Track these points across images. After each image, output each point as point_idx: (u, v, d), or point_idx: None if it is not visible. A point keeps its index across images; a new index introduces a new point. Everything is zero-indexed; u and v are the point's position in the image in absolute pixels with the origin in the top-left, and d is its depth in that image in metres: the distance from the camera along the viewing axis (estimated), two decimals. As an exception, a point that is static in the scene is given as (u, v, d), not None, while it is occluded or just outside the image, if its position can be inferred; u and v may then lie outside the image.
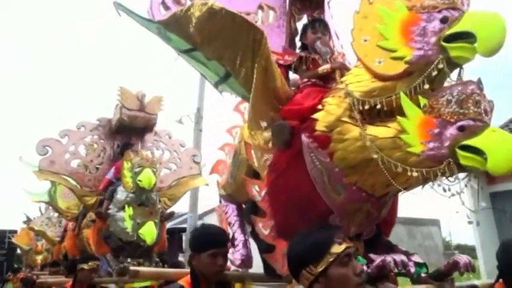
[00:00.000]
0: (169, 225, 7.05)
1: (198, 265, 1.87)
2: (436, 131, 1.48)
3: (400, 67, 1.60)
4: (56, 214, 9.63)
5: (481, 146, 1.40)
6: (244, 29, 1.93)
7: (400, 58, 1.59)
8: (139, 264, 4.66)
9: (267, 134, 2.13)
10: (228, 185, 2.89)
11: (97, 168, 5.14)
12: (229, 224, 2.91)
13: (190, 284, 1.87)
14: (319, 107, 1.90)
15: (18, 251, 20.57)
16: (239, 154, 2.65)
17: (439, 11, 1.55)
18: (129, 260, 4.85)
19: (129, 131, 5.35)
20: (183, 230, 13.10)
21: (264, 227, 2.13)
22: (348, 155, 1.75)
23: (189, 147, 6.38)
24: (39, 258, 12.88)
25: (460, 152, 1.45)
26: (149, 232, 4.19)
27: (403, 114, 1.56)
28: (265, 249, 2.17)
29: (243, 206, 2.86)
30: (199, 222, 10.25)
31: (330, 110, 1.84)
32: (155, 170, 4.41)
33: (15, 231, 21.44)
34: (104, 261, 4.52)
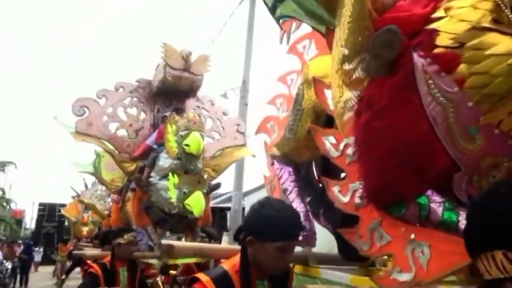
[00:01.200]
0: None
1: (257, 254, 1.38)
2: None
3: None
4: (104, 187, 9.55)
5: None
6: None
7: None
8: (179, 239, 4.20)
9: (354, 62, 1.49)
10: (285, 142, 2.32)
11: (136, 134, 4.65)
12: (285, 191, 2.35)
13: (237, 270, 1.40)
14: (440, 13, 1.28)
15: (67, 223, 21.49)
16: (302, 100, 2.10)
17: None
18: (168, 234, 4.41)
19: (170, 94, 4.84)
20: (223, 209, 12.77)
21: (342, 193, 1.58)
22: (491, 80, 1.15)
23: (232, 116, 5.82)
24: (85, 230, 13.21)
25: None
26: (197, 203, 3.68)
27: None
28: (343, 221, 1.73)
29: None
30: (245, 201, 9.78)
31: (461, 14, 1.23)
32: (203, 133, 3.87)
33: (64, 205, 22.37)
34: (143, 234, 4.08)
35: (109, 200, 9.43)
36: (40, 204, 24.01)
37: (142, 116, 4.78)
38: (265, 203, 1.42)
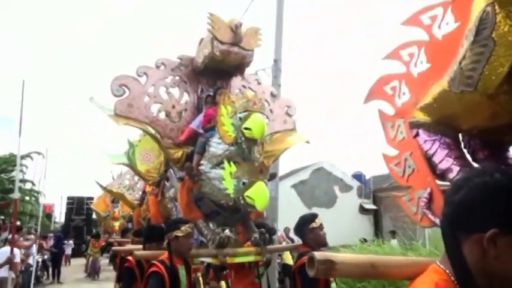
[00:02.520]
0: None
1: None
2: None
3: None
4: (134, 177, 9.16)
5: None
6: None
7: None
8: (237, 234, 3.68)
9: None
10: (446, 100, 1.64)
11: (179, 117, 4.14)
12: (445, 172, 1.68)
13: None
14: None
15: (94, 216, 21.56)
16: (491, 28, 1.35)
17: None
18: (219, 228, 3.90)
19: (215, 72, 4.29)
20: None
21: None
22: None
23: (282, 97, 5.22)
24: (116, 225, 12.99)
25: None
26: (260, 195, 3.15)
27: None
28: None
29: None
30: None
31: None
32: (265, 115, 3.32)
33: (92, 198, 22.46)
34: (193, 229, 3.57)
35: (137, 188, 9.06)
36: (68, 198, 24.17)
37: (185, 96, 4.26)
38: (492, 172, 0.88)
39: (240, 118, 3.26)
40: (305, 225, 3.22)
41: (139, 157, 6.63)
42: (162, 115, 4.04)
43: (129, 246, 4.52)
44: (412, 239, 8.53)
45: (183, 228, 2.96)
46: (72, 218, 23.65)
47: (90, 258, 13.98)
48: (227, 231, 3.70)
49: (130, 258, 3.68)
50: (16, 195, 5.44)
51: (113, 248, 4.35)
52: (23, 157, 14.96)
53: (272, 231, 3.48)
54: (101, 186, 13.27)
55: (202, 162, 3.60)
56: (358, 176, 19.00)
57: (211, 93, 4.15)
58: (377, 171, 18.21)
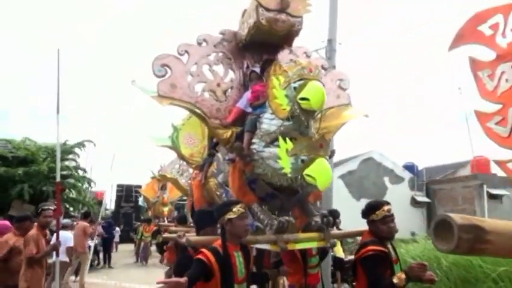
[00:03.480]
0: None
1: None
2: None
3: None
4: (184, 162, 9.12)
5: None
6: None
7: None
8: (295, 219, 3.39)
9: None
10: None
11: (225, 96, 3.87)
12: None
13: None
14: None
15: (140, 203, 22.12)
16: None
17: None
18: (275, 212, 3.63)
19: (260, 45, 3.97)
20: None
21: None
22: None
23: (333, 70, 4.82)
24: (165, 210, 13.26)
25: None
26: (322, 173, 2.82)
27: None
28: None
29: None
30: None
31: None
32: (323, 84, 2.98)
33: (139, 186, 23.08)
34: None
35: (189, 174, 9.00)
36: (118, 186, 24.97)
37: (230, 74, 3.98)
38: None
39: (295, 88, 2.93)
40: (372, 212, 2.91)
41: (183, 141, 6.51)
42: (207, 95, 3.78)
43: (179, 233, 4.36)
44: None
45: (234, 209, 2.74)
46: (121, 205, 24.51)
47: (142, 244, 14.31)
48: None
49: (205, 250, 3.51)
50: (58, 177, 5.42)
51: (164, 235, 4.19)
52: (75, 145, 15.43)
53: (336, 214, 3.16)
54: (153, 174, 13.49)
55: (254, 141, 3.33)
56: (409, 167, 18.27)
57: (256, 69, 3.85)
58: (430, 162, 17.36)
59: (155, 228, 14.43)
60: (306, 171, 2.86)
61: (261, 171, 3.24)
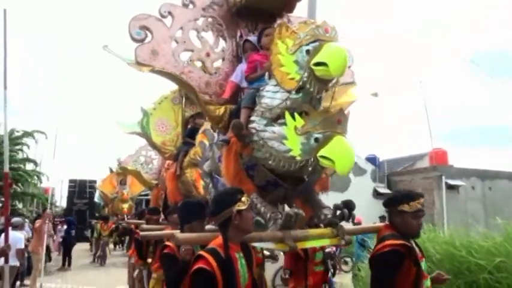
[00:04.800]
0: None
1: None
2: None
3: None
4: (149, 153, 8.41)
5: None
6: None
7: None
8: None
9: None
10: None
11: (215, 68, 3.33)
12: None
13: None
14: None
15: (96, 199, 20.90)
16: None
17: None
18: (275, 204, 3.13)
19: (255, 12, 3.46)
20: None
21: None
22: None
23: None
24: (125, 207, 12.36)
25: None
26: (342, 153, 2.35)
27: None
28: None
29: None
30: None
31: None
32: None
33: (94, 181, 21.78)
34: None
35: (154, 166, 8.29)
36: (70, 181, 23.46)
37: (222, 44, 3.43)
38: None
39: (308, 51, 2.43)
40: (405, 202, 2.48)
41: (154, 127, 5.89)
42: (195, 66, 3.22)
43: (165, 231, 3.77)
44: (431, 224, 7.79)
45: (243, 199, 2.22)
46: (74, 202, 23.06)
47: (101, 242, 13.28)
48: (286, 208, 2.95)
49: (169, 243, 2.97)
50: (6, 166, 4.63)
51: (142, 233, 3.57)
52: (24, 135, 14.12)
53: (351, 205, 2.70)
54: (110, 169, 12.48)
55: (252, 119, 2.81)
56: (371, 159, 18.30)
57: (250, 39, 3.34)
58: (391, 154, 17.60)
59: (113, 226, 13.55)
60: (321, 153, 2.38)
61: (261, 155, 2.73)
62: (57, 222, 14.89)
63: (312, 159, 2.44)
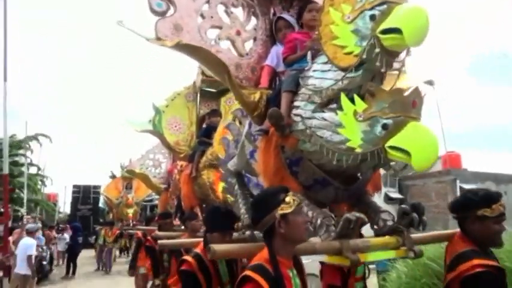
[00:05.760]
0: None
1: None
2: None
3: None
4: (156, 156, 7.96)
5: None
6: None
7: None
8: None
9: None
10: None
11: (246, 48, 2.87)
12: None
13: None
14: None
15: (101, 204, 20.44)
16: None
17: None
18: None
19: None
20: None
21: None
22: None
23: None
24: (130, 212, 11.94)
25: None
26: (422, 143, 1.86)
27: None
28: None
29: None
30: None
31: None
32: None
33: (99, 187, 21.37)
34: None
35: (162, 170, 7.83)
36: (74, 186, 23.02)
37: (253, 21, 2.97)
38: None
39: (373, 17, 1.95)
40: (486, 205, 2.01)
41: (166, 126, 5.45)
42: (223, 45, 2.76)
43: (185, 239, 3.31)
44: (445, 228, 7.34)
45: (288, 198, 1.78)
46: (78, 208, 22.59)
47: (105, 249, 12.77)
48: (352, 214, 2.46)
49: (187, 257, 2.52)
50: (5, 168, 4.20)
51: (161, 242, 3.09)
52: (28, 139, 13.73)
53: (421, 209, 2.20)
54: (113, 174, 12.06)
55: (297, 104, 2.34)
56: None
57: (285, 16, 2.88)
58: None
59: (118, 232, 13.06)
60: (391, 142, 1.90)
61: (308, 148, 2.25)
62: (61, 229, 14.42)
63: (377, 152, 1.96)
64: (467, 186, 15.67)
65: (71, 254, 12.16)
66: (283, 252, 1.74)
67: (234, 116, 3.42)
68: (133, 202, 12.36)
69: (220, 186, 4.76)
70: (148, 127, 5.51)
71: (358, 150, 2.01)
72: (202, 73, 5.46)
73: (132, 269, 6.04)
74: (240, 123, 3.46)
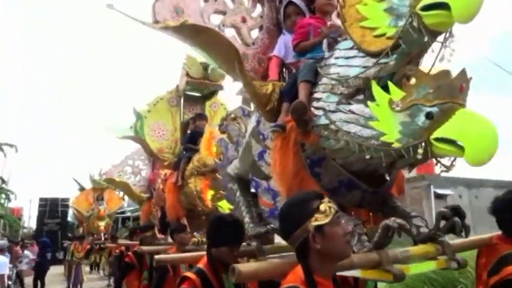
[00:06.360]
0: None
1: None
2: None
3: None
4: (136, 162, 7.47)
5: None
6: None
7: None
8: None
9: None
10: None
11: (252, 36, 2.59)
12: None
13: None
14: None
15: (70, 218, 19.42)
16: None
17: None
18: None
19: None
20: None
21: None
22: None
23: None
24: (102, 224, 11.30)
25: None
26: (481, 134, 1.59)
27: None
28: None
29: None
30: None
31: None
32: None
33: (67, 199, 20.38)
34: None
35: (142, 177, 7.35)
36: (41, 200, 21.82)
37: (259, 8, 2.69)
38: None
39: None
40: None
41: (149, 132, 5.10)
42: (228, 33, 2.46)
43: (184, 254, 2.94)
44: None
45: (322, 206, 1.43)
46: (45, 222, 21.37)
47: (74, 266, 11.96)
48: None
49: (189, 274, 2.17)
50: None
51: (158, 257, 2.66)
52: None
53: (462, 213, 1.95)
54: (80, 186, 11.40)
55: (317, 96, 2.06)
56: None
57: (295, 1, 2.62)
58: None
59: (89, 246, 12.32)
60: (438, 134, 1.65)
61: (332, 145, 1.97)
62: (26, 245, 13.49)
63: (421, 145, 1.70)
64: (440, 191, 16.00)
65: (39, 271, 11.33)
66: (322, 271, 1.42)
67: (234, 116, 3.11)
68: (106, 214, 11.70)
69: (209, 194, 4.44)
70: (129, 133, 5.14)
71: (397, 144, 1.74)
72: (187, 74, 5.15)
73: None
74: (238, 123, 3.15)
